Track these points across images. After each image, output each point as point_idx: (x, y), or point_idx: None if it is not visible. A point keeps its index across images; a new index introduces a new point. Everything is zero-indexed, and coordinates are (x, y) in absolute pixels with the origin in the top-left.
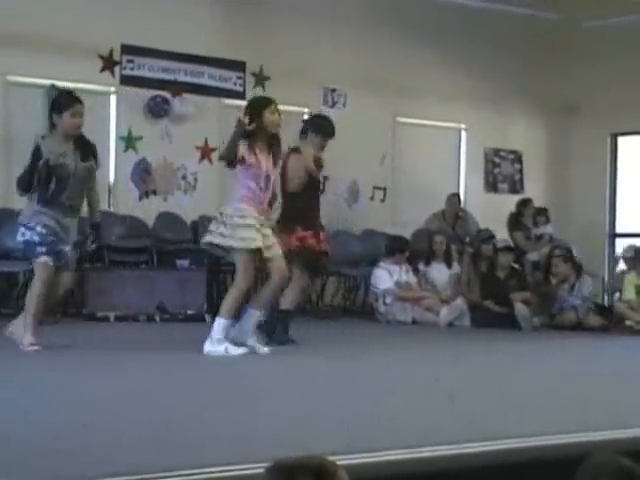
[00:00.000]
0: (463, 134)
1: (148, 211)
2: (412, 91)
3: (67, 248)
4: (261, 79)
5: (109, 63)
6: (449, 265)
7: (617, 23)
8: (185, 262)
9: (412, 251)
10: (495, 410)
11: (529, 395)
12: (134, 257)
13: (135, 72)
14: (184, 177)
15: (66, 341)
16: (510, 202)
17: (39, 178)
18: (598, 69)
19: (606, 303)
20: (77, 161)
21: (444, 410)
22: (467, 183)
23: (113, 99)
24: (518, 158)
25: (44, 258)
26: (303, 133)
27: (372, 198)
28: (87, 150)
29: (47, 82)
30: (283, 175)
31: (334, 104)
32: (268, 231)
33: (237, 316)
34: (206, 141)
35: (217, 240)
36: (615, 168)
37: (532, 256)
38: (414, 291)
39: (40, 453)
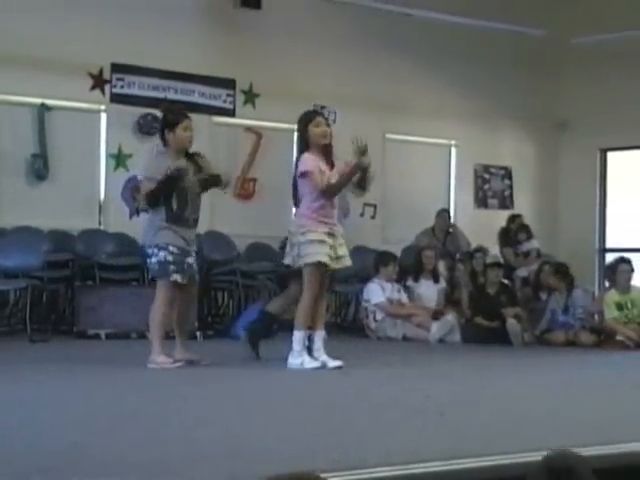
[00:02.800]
0: (453, 150)
1: (139, 229)
2: (402, 108)
3: (191, 260)
4: (251, 96)
5: (99, 81)
6: (436, 280)
7: (605, 39)
8: None
9: (402, 267)
10: (486, 426)
11: (520, 411)
12: (125, 275)
13: (125, 90)
14: None
15: (58, 359)
16: (500, 218)
17: (164, 195)
18: (587, 85)
19: (596, 319)
20: (190, 174)
21: (435, 426)
22: (457, 199)
23: (103, 117)
24: (508, 174)
25: (175, 276)
26: None
27: (362, 215)
28: (196, 162)
29: (37, 101)
30: None
31: None
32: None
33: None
34: None
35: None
36: (604, 183)
37: (521, 272)
38: (405, 307)
39: (31, 471)
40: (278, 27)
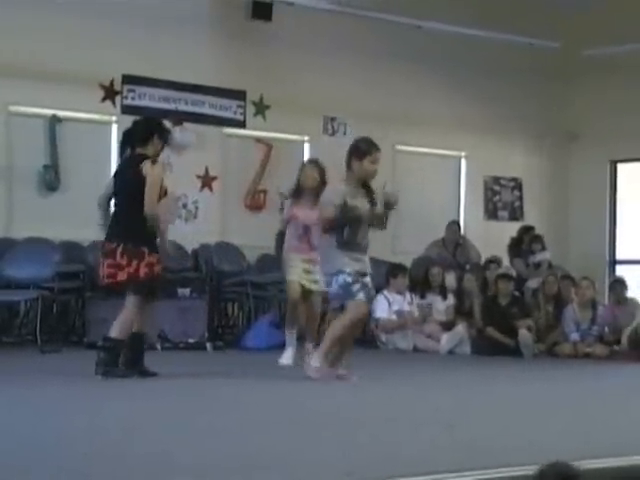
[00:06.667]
0: (463, 162)
1: None
2: (412, 119)
3: (367, 279)
4: (261, 108)
5: (110, 93)
6: (444, 297)
7: (616, 51)
8: (186, 291)
9: (412, 279)
10: (495, 438)
11: (530, 423)
12: None
13: (136, 102)
14: (185, 206)
15: (68, 370)
16: (510, 229)
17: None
18: (597, 97)
19: (607, 330)
20: (364, 204)
21: (444, 438)
22: (467, 211)
23: (114, 128)
24: (518, 185)
25: (361, 295)
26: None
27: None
28: (371, 193)
29: (49, 112)
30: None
31: (334, 133)
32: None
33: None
34: (207, 170)
35: None
36: (614, 195)
37: (532, 283)
38: (395, 322)
39: None
40: (289, 39)
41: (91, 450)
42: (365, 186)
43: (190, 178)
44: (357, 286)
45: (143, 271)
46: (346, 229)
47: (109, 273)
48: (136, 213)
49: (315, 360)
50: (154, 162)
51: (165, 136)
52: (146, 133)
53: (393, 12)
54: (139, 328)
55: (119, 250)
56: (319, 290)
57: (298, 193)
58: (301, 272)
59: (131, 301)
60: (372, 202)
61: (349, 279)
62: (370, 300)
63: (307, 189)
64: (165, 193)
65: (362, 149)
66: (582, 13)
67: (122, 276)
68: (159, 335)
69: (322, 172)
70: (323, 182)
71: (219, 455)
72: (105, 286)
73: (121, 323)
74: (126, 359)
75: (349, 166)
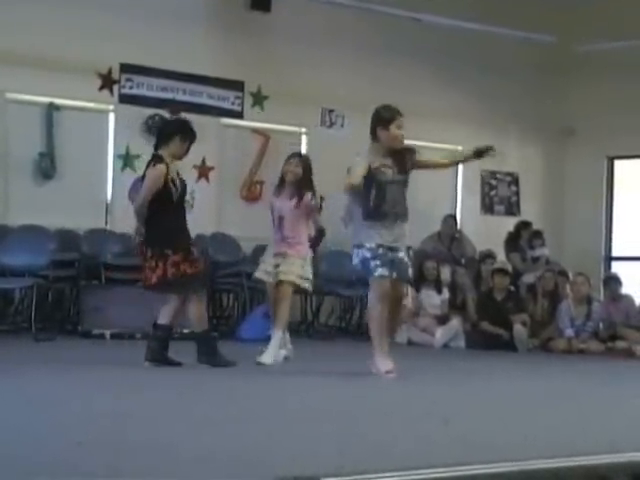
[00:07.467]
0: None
1: None
2: (408, 113)
3: (400, 254)
4: (259, 99)
5: (108, 81)
6: (439, 290)
7: (613, 47)
8: None
9: None
10: (490, 432)
11: (525, 418)
12: (130, 275)
13: (134, 91)
14: None
15: (62, 358)
16: (506, 224)
17: (364, 191)
18: (594, 92)
19: (601, 327)
20: (391, 170)
21: (439, 433)
22: (463, 205)
23: (111, 117)
24: (514, 180)
25: (380, 271)
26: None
27: None
28: (402, 161)
29: (46, 100)
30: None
31: (331, 125)
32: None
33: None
34: (204, 160)
35: None
36: (611, 191)
37: (528, 278)
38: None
39: (36, 470)
40: (287, 30)
41: (86, 439)
42: (395, 155)
43: (187, 168)
44: (376, 262)
45: (170, 271)
46: (372, 195)
47: (146, 276)
48: (153, 216)
49: (380, 364)
50: (157, 163)
51: (190, 136)
52: (168, 133)
53: (392, 5)
54: (169, 322)
55: (149, 254)
56: (287, 280)
57: (280, 184)
58: (270, 267)
59: (183, 298)
60: (401, 170)
61: (367, 254)
62: (401, 275)
63: (287, 182)
64: (183, 195)
65: (386, 116)
66: (579, 7)
67: (154, 279)
68: (154, 324)
69: (307, 167)
70: (307, 176)
71: (213, 446)
72: (148, 287)
73: (197, 318)
74: (150, 348)
75: (374, 137)
